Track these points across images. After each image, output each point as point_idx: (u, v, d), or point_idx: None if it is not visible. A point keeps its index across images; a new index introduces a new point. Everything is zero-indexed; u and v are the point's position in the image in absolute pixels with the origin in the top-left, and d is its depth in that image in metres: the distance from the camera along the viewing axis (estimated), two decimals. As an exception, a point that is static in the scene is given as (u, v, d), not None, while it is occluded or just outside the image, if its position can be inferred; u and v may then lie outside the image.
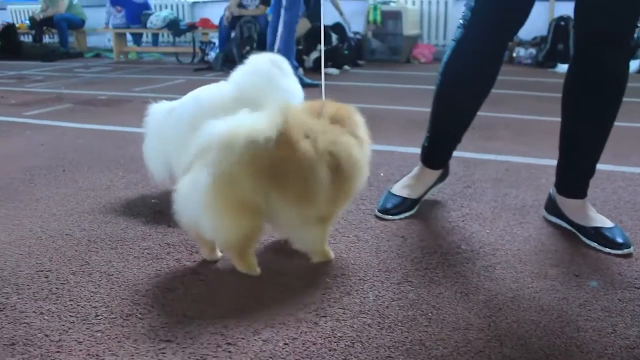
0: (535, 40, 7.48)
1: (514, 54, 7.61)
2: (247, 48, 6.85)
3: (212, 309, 1.44)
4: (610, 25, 1.69)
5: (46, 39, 10.07)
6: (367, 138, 1.68)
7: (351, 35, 7.63)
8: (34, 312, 1.44)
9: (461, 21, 1.86)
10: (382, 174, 2.54)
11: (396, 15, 7.85)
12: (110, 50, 9.32)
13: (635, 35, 1.68)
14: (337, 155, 1.52)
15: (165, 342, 1.30)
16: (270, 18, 5.87)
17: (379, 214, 2.06)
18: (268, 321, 1.38)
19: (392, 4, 8.00)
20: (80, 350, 1.28)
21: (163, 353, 1.26)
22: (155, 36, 9.30)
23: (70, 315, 1.42)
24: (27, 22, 10.07)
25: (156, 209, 2.16)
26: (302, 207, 1.52)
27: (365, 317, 1.40)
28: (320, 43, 6.82)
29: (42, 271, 1.66)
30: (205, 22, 8.37)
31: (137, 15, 8.81)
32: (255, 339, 1.31)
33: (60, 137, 3.45)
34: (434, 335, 1.33)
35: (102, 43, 10.40)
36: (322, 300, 1.48)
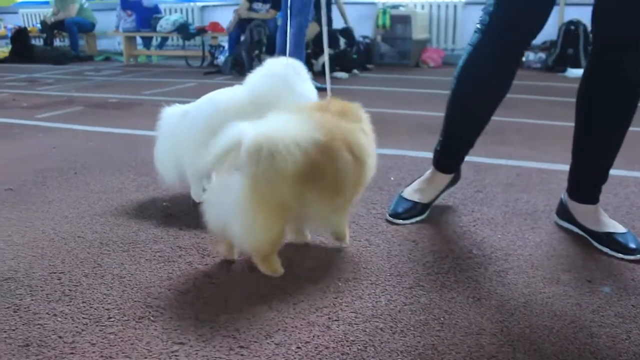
0: (545, 44, 7.45)
1: (524, 58, 7.58)
2: (257, 52, 6.88)
3: (225, 312, 1.44)
4: (628, 29, 1.67)
5: (57, 43, 10.13)
6: (370, 131, 1.77)
7: (360, 39, 7.65)
8: (47, 313, 1.45)
9: (478, 26, 1.84)
10: (392, 178, 2.54)
11: (405, 20, 7.85)
12: (120, 54, 9.38)
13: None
14: (351, 144, 1.61)
15: (178, 344, 1.31)
16: (280, 22, 5.90)
17: (390, 219, 2.06)
18: (280, 324, 1.38)
19: (401, 8, 8.01)
20: (94, 352, 1.28)
21: (176, 356, 1.27)
22: (164, 40, 9.35)
23: (83, 317, 1.43)
24: (39, 25, 10.14)
25: (167, 212, 2.17)
26: (334, 199, 1.63)
27: (377, 321, 1.40)
28: (329, 47, 6.84)
29: (55, 273, 1.67)
30: (215, 26, 8.39)
31: (147, 19, 8.86)
32: (267, 343, 1.31)
33: (71, 139, 3.47)
34: (446, 340, 1.33)
35: (112, 46, 10.45)
36: (334, 304, 1.48)
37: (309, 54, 6.69)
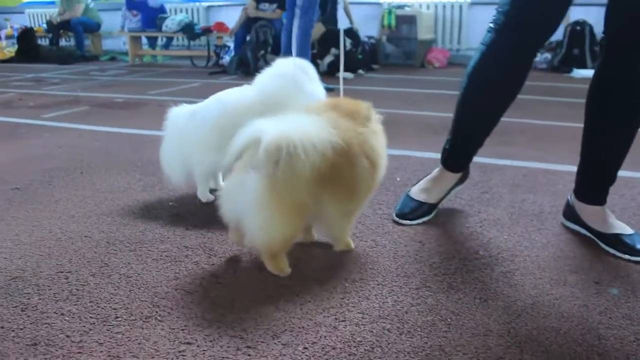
0: (551, 44, 7.43)
1: (530, 59, 7.56)
2: (262, 52, 6.88)
3: (231, 312, 1.44)
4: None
5: (63, 42, 10.17)
6: (381, 131, 1.76)
7: (365, 39, 7.64)
8: (55, 312, 1.45)
9: (492, 25, 1.82)
10: (398, 179, 2.54)
11: (411, 20, 7.85)
12: (126, 54, 9.40)
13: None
14: (366, 149, 1.62)
15: (185, 344, 1.31)
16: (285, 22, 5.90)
17: (397, 219, 2.05)
18: (287, 325, 1.38)
19: (406, 8, 8.00)
20: (101, 351, 1.29)
21: (183, 355, 1.27)
22: (169, 39, 9.37)
23: (90, 317, 1.43)
24: (45, 25, 10.18)
25: (174, 212, 2.17)
26: (348, 202, 1.65)
27: (384, 322, 1.40)
28: (334, 47, 6.84)
29: (62, 272, 1.68)
30: (220, 26, 8.40)
31: (152, 19, 8.88)
32: (274, 343, 1.31)
33: (77, 139, 3.48)
34: (453, 341, 1.33)
35: (117, 46, 10.47)
36: (341, 304, 1.48)
37: (315, 54, 6.69)
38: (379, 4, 8.43)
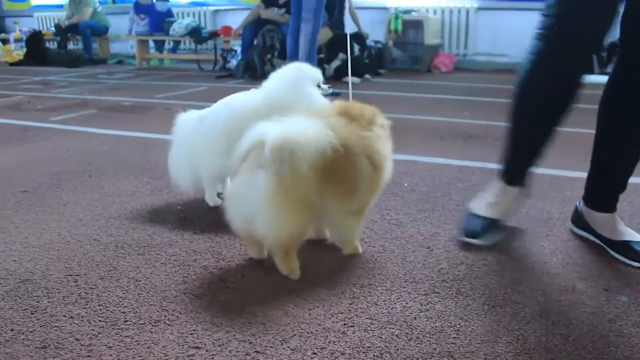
0: (558, 50, 7.42)
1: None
2: (269, 56, 6.90)
3: (240, 317, 1.44)
4: None
5: (71, 46, 10.22)
6: (386, 136, 1.78)
7: (371, 44, 7.65)
8: (64, 315, 1.46)
9: (540, 31, 1.71)
10: (406, 184, 2.54)
11: (417, 25, 7.85)
12: (133, 57, 9.44)
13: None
14: (368, 150, 1.65)
15: (194, 348, 1.31)
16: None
17: (468, 240, 1.89)
18: (296, 330, 1.38)
19: (413, 13, 8.00)
20: (110, 355, 1.29)
21: (192, 360, 1.27)
22: (177, 43, 9.40)
23: (99, 320, 1.44)
24: (53, 29, 10.23)
25: (182, 216, 2.18)
26: (350, 201, 1.66)
27: (393, 328, 1.39)
28: (341, 52, 6.85)
29: (71, 275, 1.68)
30: (227, 30, 8.43)
31: (160, 23, 8.92)
32: (283, 348, 1.31)
33: (85, 142, 3.50)
34: (462, 347, 1.32)
35: (124, 50, 10.52)
36: (350, 310, 1.48)
37: (322, 59, 6.70)
38: (385, 8, 8.44)
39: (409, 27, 7.89)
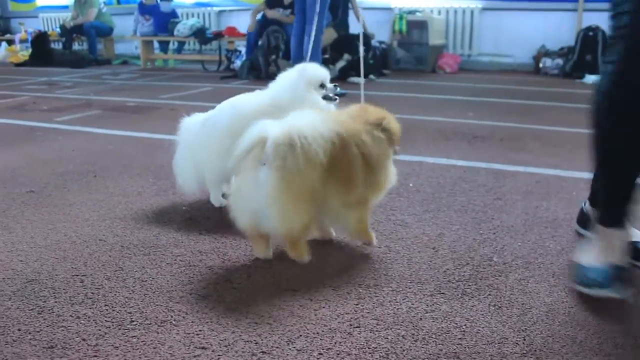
0: (563, 50, 7.40)
1: (541, 65, 7.54)
2: (273, 57, 6.90)
3: (246, 317, 1.44)
4: None
5: (76, 46, 10.24)
6: (390, 139, 1.80)
7: (376, 44, 7.64)
8: (71, 315, 1.46)
9: (616, 33, 1.55)
10: (411, 184, 2.54)
11: (422, 25, 7.84)
12: (138, 58, 9.46)
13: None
14: (365, 151, 1.71)
15: (200, 349, 1.31)
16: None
17: (592, 292, 1.59)
18: (302, 330, 1.38)
19: (417, 14, 7.99)
20: (117, 355, 1.29)
21: (198, 360, 1.27)
22: (181, 44, 9.42)
23: (106, 320, 1.44)
24: (58, 29, 10.26)
25: (187, 216, 2.18)
26: (346, 193, 1.71)
27: (399, 329, 1.39)
28: (346, 52, 6.84)
29: (77, 275, 1.69)
30: (232, 31, 8.43)
31: (164, 23, 8.94)
32: (289, 349, 1.31)
33: (90, 142, 3.51)
34: (468, 348, 1.32)
35: (129, 50, 10.54)
36: (356, 310, 1.48)
37: (327, 59, 6.70)
38: (390, 9, 8.43)
39: (414, 27, 7.89)
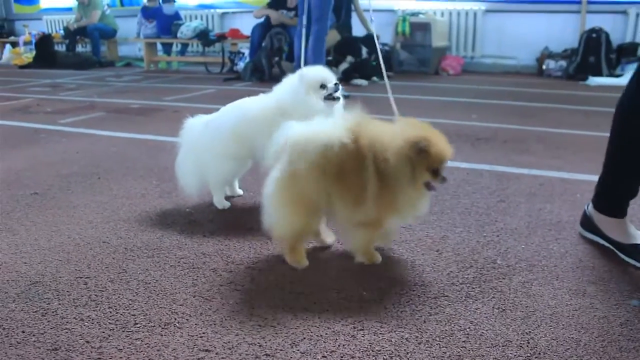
0: (566, 52, 7.40)
1: (544, 66, 7.53)
2: (277, 59, 6.90)
3: (250, 320, 1.45)
4: None
5: (79, 48, 10.27)
6: (425, 162, 1.61)
7: (381, 46, 7.65)
8: (74, 318, 1.46)
9: None
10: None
11: (425, 27, 7.84)
12: (141, 60, 9.48)
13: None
14: (382, 167, 1.60)
15: (204, 351, 1.31)
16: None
17: None
18: (306, 333, 1.38)
19: (420, 16, 7.99)
20: (121, 357, 1.30)
21: (202, 362, 1.27)
22: (184, 46, 9.44)
23: (109, 323, 1.44)
24: (62, 31, 10.29)
25: (191, 219, 2.18)
26: (353, 207, 1.64)
27: (402, 331, 1.39)
28: (350, 54, 6.85)
29: (81, 278, 1.69)
30: (235, 33, 8.45)
31: (167, 25, 8.96)
32: (293, 351, 1.31)
33: (94, 145, 3.51)
34: (472, 351, 1.32)
35: (132, 52, 10.57)
36: (360, 313, 1.48)
37: (330, 61, 6.70)
38: (393, 11, 8.43)
39: (417, 29, 7.88)
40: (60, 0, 11.42)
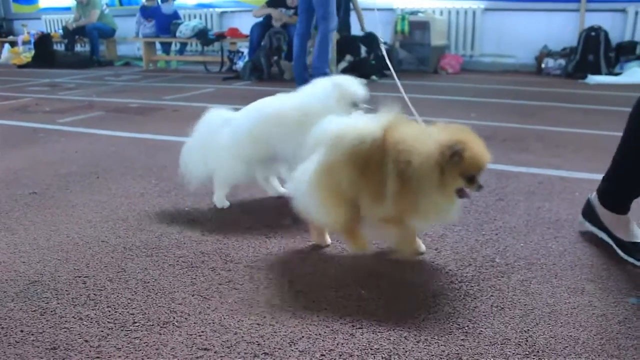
0: (565, 50, 7.40)
1: (543, 65, 7.54)
2: (275, 58, 6.90)
3: (248, 318, 1.45)
4: None
5: (78, 48, 10.27)
6: (458, 167, 1.55)
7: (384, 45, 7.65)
8: (73, 317, 1.46)
9: None
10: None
11: (424, 26, 7.84)
12: (140, 59, 9.48)
13: None
14: (403, 168, 1.56)
15: (202, 350, 1.32)
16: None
17: None
18: (304, 332, 1.38)
19: (419, 14, 7.99)
20: (119, 356, 1.30)
21: (201, 361, 1.27)
22: (183, 45, 9.44)
23: (108, 322, 1.44)
24: (61, 31, 10.28)
25: (190, 218, 2.18)
26: (375, 204, 1.65)
27: (401, 330, 1.39)
28: (349, 54, 6.85)
29: (79, 277, 1.69)
30: (234, 32, 8.44)
31: (166, 25, 8.95)
32: (292, 350, 1.31)
33: (93, 144, 3.51)
34: (470, 349, 1.32)
35: (131, 52, 10.56)
36: (358, 311, 1.48)
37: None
38: (392, 10, 8.43)
39: (416, 28, 7.88)
40: (59, -1, 11.43)
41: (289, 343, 1.34)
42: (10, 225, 2.11)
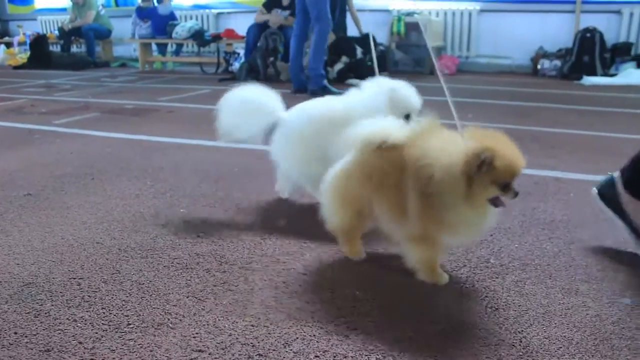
0: (560, 52, 7.42)
1: (539, 66, 7.55)
2: (272, 59, 6.90)
3: (243, 320, 1.45)
4: None
5: (74, 49, 10.25)
6: (488, 176, 1.45)
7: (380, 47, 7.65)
8: (67, 319, 1.46)
9: None
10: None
11: (420, 27, 7.85)
12: (136, 60, 9.46)
13: None
14: (423, 178, 1.48)
15: (196, 352, 1.31)
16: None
17: None
18: (299, 333, 1.38)
19: (415, 16, 8.00)
20: (114, 358, 1.29)
21: (195, 363, 1.27)
22: (179, 46, 9.43)
23: (102, 323, 1.44)
24: (56, 32, 10.27)
25: (185, 219, 2.18)
26: (397, 219, 1.61)
27: (396, 331, 1.39)
28: (344, 55, 6.85)
29: (74, 279, 1.69)
30: (230, 33, 8.44)
31: (162, 26, 8.94)
32: (286, 351, 1.31)
33: (88, 145, 3.51)
34: (465, 350, 1.32)
35: (127, 53, 10.55)
36: (352, 313, 1.48)
37: (325, 62, 6.71)
38: (388, 11, 8.44)
39: (412, 29, 7.89)
40: (54, 0, 11.39)
41: (283, 344, 1.34)
42: (4, 227, 2.10)
